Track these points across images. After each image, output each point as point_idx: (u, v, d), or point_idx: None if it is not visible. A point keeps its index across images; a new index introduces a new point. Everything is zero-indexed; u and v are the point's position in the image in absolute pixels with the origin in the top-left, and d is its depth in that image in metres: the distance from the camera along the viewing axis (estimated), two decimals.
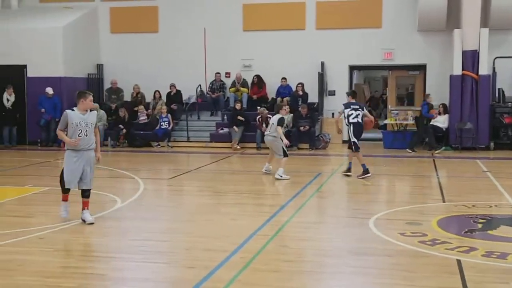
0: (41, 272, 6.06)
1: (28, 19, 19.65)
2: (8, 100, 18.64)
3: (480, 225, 8.05)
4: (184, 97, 19.89)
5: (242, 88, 19.28)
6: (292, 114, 18.00)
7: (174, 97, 19.68)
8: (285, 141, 12.38)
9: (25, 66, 18.96)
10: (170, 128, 18.66)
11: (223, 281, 5.74)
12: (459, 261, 6.36)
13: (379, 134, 19.30)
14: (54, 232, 7.72)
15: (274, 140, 12.50)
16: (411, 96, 20.37)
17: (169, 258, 6.74)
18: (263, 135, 17.52)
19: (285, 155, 12.38)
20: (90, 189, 8.32)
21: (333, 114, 19.55)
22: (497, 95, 17.89)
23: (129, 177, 12.58)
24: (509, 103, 17.74)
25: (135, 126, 18.93)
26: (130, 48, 20.50)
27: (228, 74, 20.05)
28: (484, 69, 17.45)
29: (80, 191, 8.27)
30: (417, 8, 18.10)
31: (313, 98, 19.06)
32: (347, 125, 12.54)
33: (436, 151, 16.76)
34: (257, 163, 13.59)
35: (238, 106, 18.38)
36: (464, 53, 17.45)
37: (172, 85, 19.65)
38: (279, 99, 18.75)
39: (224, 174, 13.69)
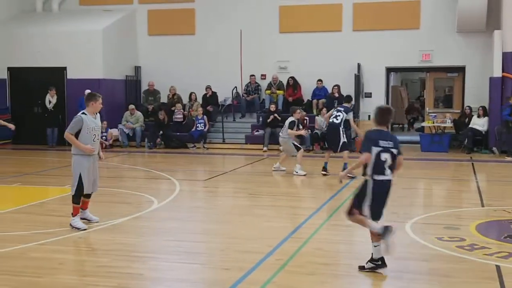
0: (80, 271, 6.18)
1: (69, 22, 20.01)
2: (50, 101, 19.03)
3: None
4: (220, 99, 20.00)
5: (277, 91, 19.29)
6: None
7: (210, 99, 19.79)
8: (301, 132, 13.97)
9: (65, 68, 19.32)
10: (206, 129, 18.78)
11: (258, 283, 5.76)
12: (498, 267, 6.26)
13: (416, 137, 19.08)
14: (92, 232, 7.85)
15: (285, 141, 13.35)
16: (449, 99, 20.08)
17: (204, 259, 6.79)
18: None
19: (298, 148, 13.21)
20: None
21: (369, 116, 19.44)
22: None
23: (165, 178, 12.70)
24: None
25: (172, 127, 19.10)
26: (167, 50, 20.69)
27: (263, 76, 20.09)
28: None
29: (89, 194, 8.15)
30: (456, 9, 17.84)
31: None
32: None
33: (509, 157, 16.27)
34: (291, 165, 13.57)
35: (272, 107, 18.36)
36: (504, 54, 17.13)
37: (208, 87, 19.78)
38: (314, 102, 18.69)
39: (259, 176, 13.71)
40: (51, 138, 19.02)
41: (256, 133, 18.80)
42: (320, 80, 19.14)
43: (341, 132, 12.80)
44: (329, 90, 19.02)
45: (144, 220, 8.68)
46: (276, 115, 18.12)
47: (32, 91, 19.35)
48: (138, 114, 19.30)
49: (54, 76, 19.20)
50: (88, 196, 8.15)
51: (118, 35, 20.14)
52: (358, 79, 19.00)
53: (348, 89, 18.87)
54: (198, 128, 18.73)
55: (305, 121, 17.73)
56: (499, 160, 16.02)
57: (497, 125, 17.03)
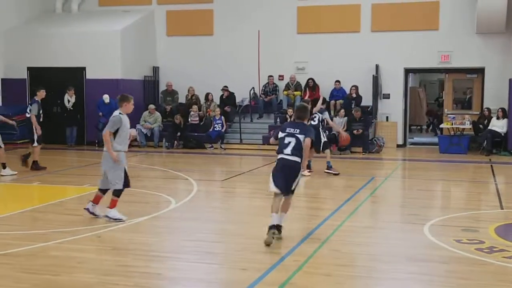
0: (99, 270, 6.23)
1: (88, 23, 20.17)
2: (69, 101, 19.18)
3: None
4: (238, 100, 20.03)
5: (295, 92, 19.28)
6: (346, 117, 17.91)
7: (228, 99, 19.84)
8: None
9: (84, 69, 19.47)
10: (223, 130, 18.82)
11: (276, 284, 5.77)
12: None
13: (434, 139, 18.96)
14: (111, 231, 7.91)
15: None
16: (468, 100, 19.93)
17: (222, 259, 6.81)
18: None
19: None
20: None
21: (387, 117, 19.37)
22: None
23: (183, 178, 12.75)
24: None
25: (189, 128, 19.16)
26: (185, 50, 20.77)
27: (281, 77, 20.08)
28: None
29: (107, 190, 8.54)
30: (475, 10, 17.70)
31: (367, 101, 18.88)
32: None
33: None
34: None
35: (290, 112, 18.33)
36: None
37: (226, 88, 19.82)
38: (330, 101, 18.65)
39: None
40: (70, 137, 19.19)
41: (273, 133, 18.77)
42: (338, 81, 19.10)
43: (321, 133, 13.05)
44: (347, 91, 18.97)
45: (162, 220, 8.73)
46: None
47: (51, 91, 19.47)
48: (157, 114, 19.40)
49: (73, 76, 19.35)
50: (119, 195, 8.45)
51: (136, 35, 20.25)
52: (376, 80, 18.93)
53: (366, 90, 18.85)
54: (215, 129, 18.77)
55: (323, 122, 17.68)
56: None
57: None
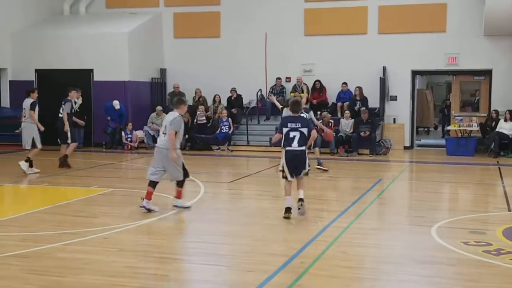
0: (106, 271, 6.24)
1: (95, 25, 20.24)
2: (75, 102, 19.21)
3: None
4: (245, 102, 20.05)
5: (302, 93, 19.27)
6: (353, 120, 17.89)
7: (235, 101, 19.86)
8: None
9: (91, 71, 19.53)
10: (230, 132, 18.83)
11: (283, 286, 5.76)
12: None
13: (442, 141, 18.91)
14: (118, 232, 7.93)
15: None
16: (476, 102, 19.86)
17: (229, 261, 6.81)
18: (323, 140, 17.54)
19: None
20: None
21: (394, 119, 19.34)
22: None
23: (190, 180, 12.72)
24: None
25: (196, 129, 19.18)
26: (192, 52, 20.81)
27: (288, 79, 20.09)
28: None
29: (157, 184, 9.33)
30: (483, 11, 17.65)
31: (374, 103, 18.86)
32: None
33: None
34: (316, 169, 13.54)
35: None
36: None
37: (233, 90, 19.84)
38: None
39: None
40: (77, 139, 19.18)
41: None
42: (345, 83, 19.08)
43: None
44: (353, 93, 18.95)
45: (169, 222, 8.74)
46: None
47: (59, 93, 19.55)
48: (164, 116, 19.41)
49: (81, 78, 19.40)
50: (182, 185, 9.31)
51: (144, 37, 20.31)
52: (383, 82, 18.90)
53: (373, 92, 18.82)
54: (223, 130, 18.79)
55: (330, 124, 17.69)
56: None
57: None
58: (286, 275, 6.09)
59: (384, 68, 18.99)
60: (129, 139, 18.81)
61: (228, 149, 18.59)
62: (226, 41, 20.53)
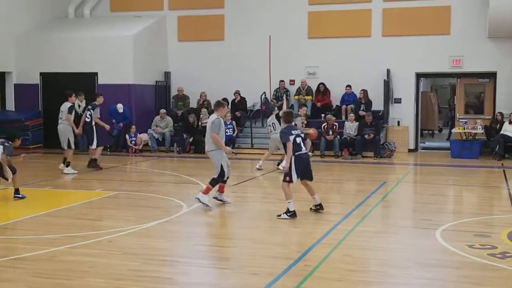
0: (110, 274, 6.25)
1: (100, 28, 20.29)
2: (79, 105, 19.25)
3: None
4: (249, 104, 20.05)
5: (306, 96, 19.28)
6: (357, 123, 17.88)
7: (239, 104, 19.87)
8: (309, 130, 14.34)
9: (96, 74, 19.57)
10: (234, 135, 18.83)
11: None
12: None
13: (446, 143, 18.88)
14: (122, 235, 7.94)
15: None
16: (480, 104, 19.83)
17: (233, 264, 6.81)
18: (327, 142, 17.54)
19: None
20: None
21: (398, 122, 19.32)
22: None
23: (194, 183, 12.78)
24: None
25: (200, 132, 19.18)
26: (196, 56, 20.83)
27: (292, 82, 20.09)
28: None
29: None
30: (487, 14, 17.63)
31: (378, 106, 18.84)
32: None
33: None
34: (320, 171, 13.53)
35: (303, 111, 18.34)
36: None
37: (237, 92, 19.86)
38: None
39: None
40: (81, 142, 19.22)
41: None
42: (349, 86, 19.06)
43: None
44: (358, 96, 18.94)
45: (173, 225, 8.75)
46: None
47: (63, 96, 19.57)
48: (168, 119, 19.46)
49: (86, 81, 19.43)
50: (225, 181, 10.03)
51: (148, 41, 20.34)
52: (387, 84, 18.88)
53: (377, 95, 18.81)
54: (227, 133, 18.72)
55: (334, 127, 17.70)
56: None
57: None
58: (290, 278, 6.09)
59: (388, 71, 18.97)
60: (133, 142, 18.82)
61: (232, 152, 18.53)
62: (230, 44, 20.55)
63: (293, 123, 9.53)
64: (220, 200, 10.15)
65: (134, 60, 19.49)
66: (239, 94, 19.87)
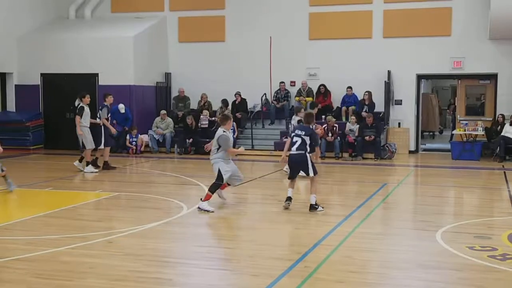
0: (110, 275, 6.25)
1: (101, 29, 20.30)
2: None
3: None
4: (249, 106, 20.06)
5: (307, 98, 19.28)
6: (358, 125, 17.86)
7: (239, 105, 19.87)
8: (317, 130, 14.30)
9: (97, 75, 19.58)
10: (235, 136, 18.80)
11: None
12: None
13: (447, 145, 18.87)
14: (122, 236, 7.94)
15: None
16: (481, 106, 19.83)
17: (233, 265, 6.81)
18: (327, 143, 17.54)
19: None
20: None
21: (399, 123, 19.32)
22: None
23: (195, 184, 12.78)
24: None
25: (201, 133, 19.20)
26: (197, 57, 20.83)
27: (293, 83, 20.09)
28: None
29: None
30: (488, 15, 17.63)
31: (379, 107, 18.84)
32: None
33: None
34: (321, 173, 13.49)
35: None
36: None
37: (237, 94, 19.86)
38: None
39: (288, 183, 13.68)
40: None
41: (285, 139, 18.75)
42: (349, 87, 19.06)
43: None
44: (359, 97, 18.94)
45: (174, 226, 8.74)
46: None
47: (64, 97, 19.64)
48: (169, 120, 19.46)
49: (86, 82, 19.44)
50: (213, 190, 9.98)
51: (149, 42, 20.35)
52: (388, 86, 18.88)
53: (378, 96, 18.81)
54: None
55: (334, 128, 17.69)
56: None
57: None
58: (290, 280, 6.08)
59: (389, 72, 18.97)
60: (133, 142, 18.81)
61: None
62: (230, 45, 20.55)
63: (311, 124, 10.12)
64: (218, 195, 10.21)
65: (135, 61, 19.50)
66: (240, 95, 19.87)
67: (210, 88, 20.14)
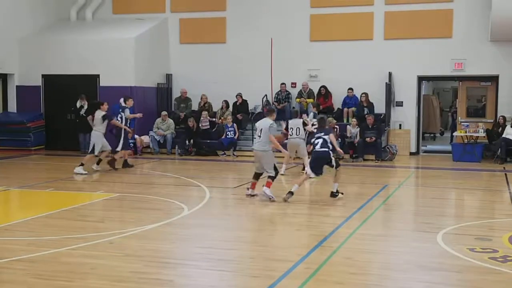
0: (111, 276, 6.25)
1: (102, 30, 20.31)
2: (82, 107, 19.27)
3: None
4: (250, 107, 20.06)
5: (308, 99, 19.28)
6: (358, 128, 17.84)
7: (240, 106, 19.87)
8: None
9: (98, 76, 19.59)
10: (235, 137, 18.84)
11: None
12: None
13: (448, 147, 18.86)
14: (123, 237, 7.94)
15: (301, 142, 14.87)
16: (482, 108, 19.82)
17: (234, 266, 6.81)
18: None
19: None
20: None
21: (400, 125, 19.31)
22: None
23: (196, 185, 12.78)
24: None
25: (201, 134, 19.20)
26: (198, 58, 20.84)
27: (294, 84, 20.09)
28: None
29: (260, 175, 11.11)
30: (489, 17, 17.63)
31: (380, 109, 18.84)
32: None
33: None
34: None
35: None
36: None
37: (239, 95, 19.86)
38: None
39: (288, 184, 13.69)
40: (83, 144, 19.24)
41: (286, 141, 18.74)
42: (350, 89, 19.06)
43: None
44: (359, 99, 18.93)
45: (175, 227, 8.74)
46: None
47: (65, 98, 19.66)
48: (170, 121, 19.47)
49: (87, 83, 19.47)
50: (273, 179, 10.87)
51: (150, 43, 20.36)
52: (389, 88, 18.88)
53: (379, 98, 18.81)
54: (228, 136, 18.80)
55: (335, 130, 17.65)
56: None
57: None
58: (291, 281, 6.08)
59: (390, 74, 18.97)
60: (131, 144, 18.74)
61: (233, 154, 18.58)
62: (231, 46, 20.56)
63: (325, 127, 11.22)
64: (250, 195, 11.05)
65: (136, 63, 19.51)
66: (241, 96, 19.87)
67: (211, 89, 20.16)
